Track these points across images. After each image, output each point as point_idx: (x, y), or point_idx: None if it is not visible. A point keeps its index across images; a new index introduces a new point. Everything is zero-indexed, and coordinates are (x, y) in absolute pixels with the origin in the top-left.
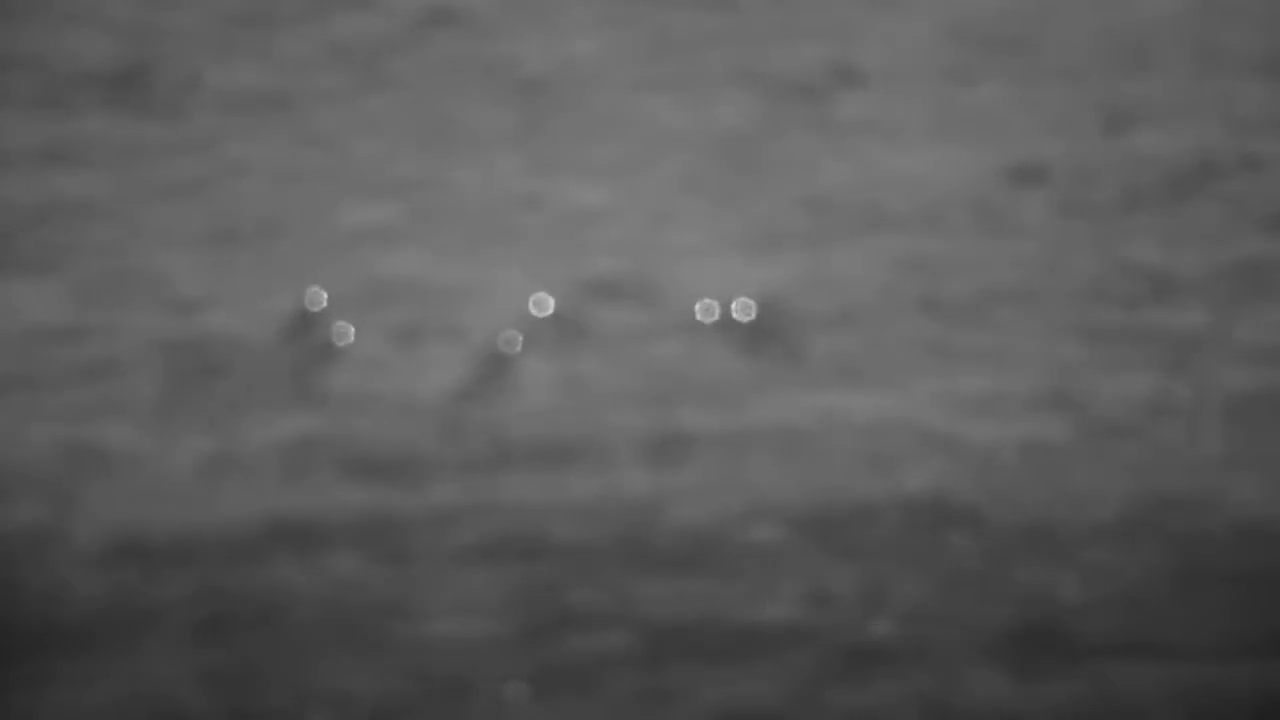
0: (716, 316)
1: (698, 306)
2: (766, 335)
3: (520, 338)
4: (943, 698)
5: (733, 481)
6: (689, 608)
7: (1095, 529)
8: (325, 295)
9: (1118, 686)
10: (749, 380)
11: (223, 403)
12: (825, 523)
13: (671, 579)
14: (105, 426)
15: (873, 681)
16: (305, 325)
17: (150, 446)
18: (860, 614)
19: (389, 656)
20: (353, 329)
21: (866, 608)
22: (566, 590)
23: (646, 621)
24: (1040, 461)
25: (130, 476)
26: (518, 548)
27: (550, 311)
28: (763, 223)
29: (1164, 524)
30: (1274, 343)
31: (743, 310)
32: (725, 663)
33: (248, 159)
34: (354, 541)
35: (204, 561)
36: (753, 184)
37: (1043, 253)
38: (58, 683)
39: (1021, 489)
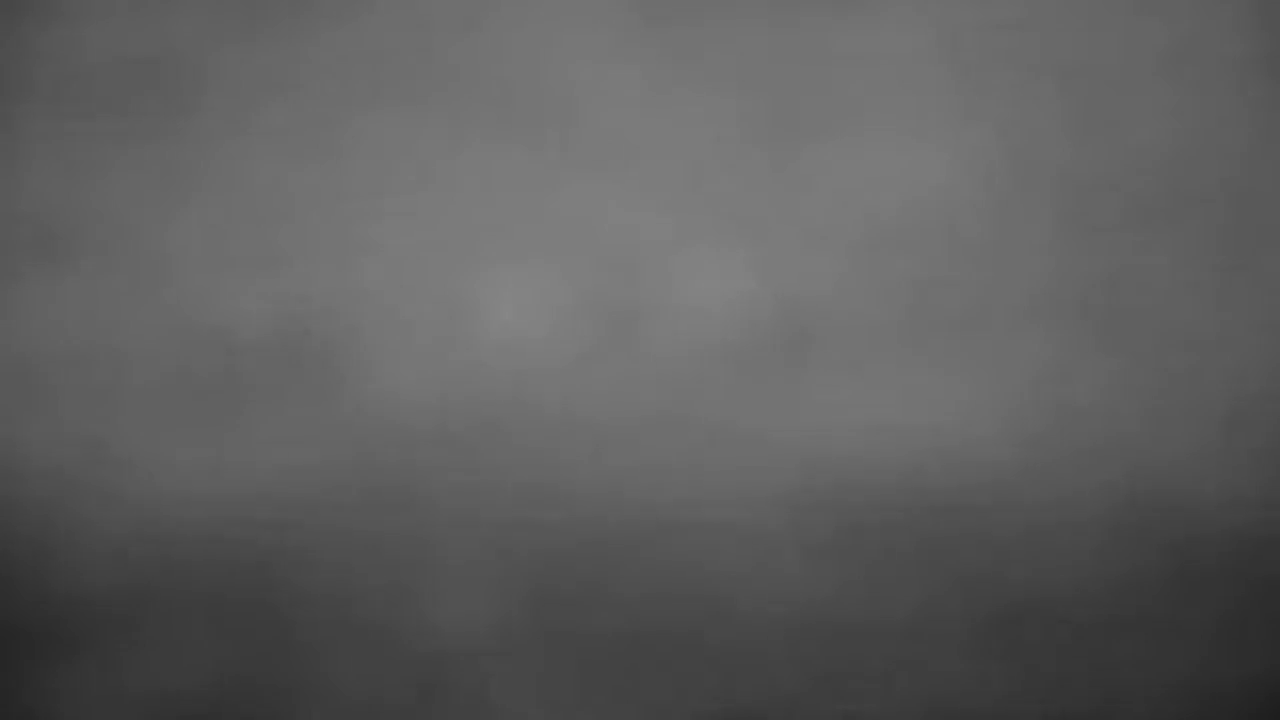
0: (717, 315)
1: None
2: (767, 336)
3: (517, 337)
4: (937, 700)
5: (731, 483)
6: (686, 611)
7: (1091, 531)
8: (322, 293)
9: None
10: (750, 380)
11: (219, 402)
12: (822, 524)
13: (668, 582)
14: (98, 425)
15: (867, 684)
16: (304, 323)
17: (144, 446)
18: (856, 614)
19: (392, 660)
20: (351, 327)
21: (862, 608)
22: (564, 596)
23: (642, 625)
24: (1039, 463)
25: (125, 477)
26: (517, 552)
27: (547, 310)
28: (762, 222)
29: (1160, 527)
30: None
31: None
32: (721, 666)
33: (241, 151)
34: (356, 546)
35: (201, 564)
36: (752, 182)
37: (1045, 256)
38: (55, 687)
39: (1018, 490)
